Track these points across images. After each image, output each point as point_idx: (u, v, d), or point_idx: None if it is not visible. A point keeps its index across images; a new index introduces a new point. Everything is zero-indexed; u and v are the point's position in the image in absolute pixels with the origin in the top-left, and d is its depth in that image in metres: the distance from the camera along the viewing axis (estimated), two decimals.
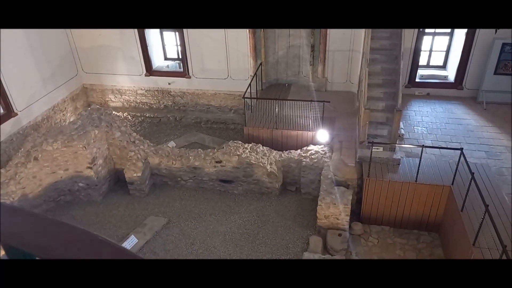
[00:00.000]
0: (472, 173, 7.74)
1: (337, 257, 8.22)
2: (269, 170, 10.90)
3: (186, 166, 11.29)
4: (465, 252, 7.68)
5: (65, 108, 14.98)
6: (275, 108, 11.98)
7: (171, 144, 13.28)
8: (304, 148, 11.42)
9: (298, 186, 11.44)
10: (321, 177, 10.26)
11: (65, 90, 14.93)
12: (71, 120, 13.53)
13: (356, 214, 10.17)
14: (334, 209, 9.43)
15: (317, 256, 7.96)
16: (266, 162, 10.99)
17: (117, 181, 11.91)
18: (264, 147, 11.49)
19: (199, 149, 11.68)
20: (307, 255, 8.02)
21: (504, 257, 6.08)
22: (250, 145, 11.49)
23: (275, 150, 11.55)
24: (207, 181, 11.46)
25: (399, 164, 9.87)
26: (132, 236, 9.77)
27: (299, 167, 11.10)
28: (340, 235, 9.43)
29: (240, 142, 11.58)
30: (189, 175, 11.46)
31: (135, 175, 11.04)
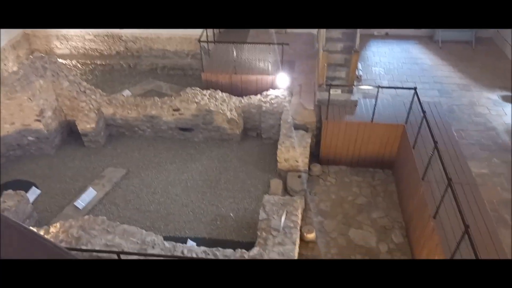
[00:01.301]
0: (424, 112, 7.96)
1: (296, 197, 8.47)
2: (229, 117, 10.75)
3: (142, 115, 10.90)
4: (415, 186, 8.12)
5: (5, 57, 13.77)
6: (234, 52, 11.57)
7: (126, 92, 12.69)
8: (264, 93, 11.27)
9: (259, 131, 11.44)
10: (281, 121, 10.27)
11: (3, 37, 13.62)
12: (14, 70, 12.51)
13: (315, 156, 10.40)
14: (294, 152, 9.56)
15: (276, 198, 8.16)
16: (226, 109, 10.80)
17: (70, 133, 11.38)
18: (223, 93, 11.23)
19: (156, 97, 11.25)
20: (267, 198, 8.20)
21: (449, 190, 6.45)
22: (209, 91, 11.18)
23: (234, 96, 11.33)
24: (166, 130, 11.20)
25: (356, 105, 10.00)
26: (91, 188, 9.55)
27: (259, 112, 11.02)
28: (299, 176, 9.67)
29: (198, 88, 11.23)
30: (147, 124, 11.12)
31: (88, 126, 10.56)
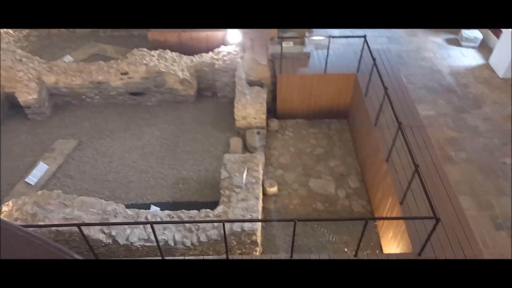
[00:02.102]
0: (374, 59, 8.11)
1: (256, 154, 8.55)
2: (181, 77, 10.41)
3: (88, 82, 10.29)
4: (368, 132, 8.43)
5: None
6: None
7: (67, 58, 11.84)
8: (216, 50, 10.94)
9: (214, 90, 11.22)
10: (235, 78, 10.10)
11: None
12: None
13: (272, 111, 10.43)
14: (251, 109, 9.52)
15: (237, 156, 8.19)
16: (177, 69, 10.42)
17: (11, 106, 10.58)
18: (173, 53, 10.77)
19: (101, 62, 10.60)
20: (227, 157, 8.21)
21: (400, 133, 6.75)
22: (157, 52, 10.68)
23: (185, 55, 10.92)
24: (116, 96, 10.69)
25: (309, 57, 9.99)
26: (41, 163, 9.08)
27: (213, 70, 10.75)
28: (258, 133, 9.72)
29: (145, 49, 10.67)
30: (94, 91, 10.54)
31: (30, 97, 9.84)
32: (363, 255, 6.02)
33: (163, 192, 8.73)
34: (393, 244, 6.98)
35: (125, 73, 10.24)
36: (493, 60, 11.55)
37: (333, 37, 9.73)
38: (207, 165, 9.29)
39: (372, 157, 8.26)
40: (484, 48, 12.31)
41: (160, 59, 10.45)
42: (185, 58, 10.77)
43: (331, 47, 9.70)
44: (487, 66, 11.67)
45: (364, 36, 9.03)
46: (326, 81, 9.64)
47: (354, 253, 5.98)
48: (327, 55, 9.39)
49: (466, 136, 9.58)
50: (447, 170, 8.45)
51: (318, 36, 10.62)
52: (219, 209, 7.21)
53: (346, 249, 7.64)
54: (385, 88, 7.46)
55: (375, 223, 7.96)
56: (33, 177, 8.76)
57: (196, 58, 10.77)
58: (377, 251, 7.56)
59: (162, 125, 10.32)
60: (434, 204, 5.52)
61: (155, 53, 10.61)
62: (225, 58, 10.62)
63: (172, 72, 10.28)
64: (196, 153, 9.58)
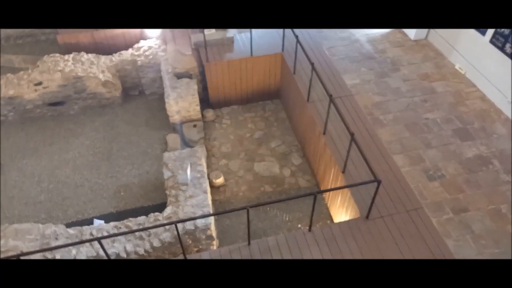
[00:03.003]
0: (297, 36, 8.23)
1: (197, 147, 8.37)
2: (103, 79, 9.78)
3: None
4: (302, 108, 8.63)
5: None
6: None
7: None
8: (135, 46, 10.40)
9: (141, 88, 10.72)
10: (162, 73, 9.72)
11: None
12: None
13: (205, 101, 10.25)
14: (183, 103, 9.26)
15: (177, 153, 7.95)
16: (97, 71, 9.76)
17: None
18: (89, 55, 10.05)
19: (9, 74, 9.60)
20: (167, 155, 7.94)
21: (332, 106, 6.97)
22: (72, 55, 9.90)
23: (103, 55, 10.24)
24: (33, 109, 9.78)
25: (233, 42, 9.88)
26: None
27: (136, 67, 10.23)
28: (195, 126, 9.51)
29: (58, 54, 9.84)
30: (7, 107, 9.54)
31: None
32: (316, 228, 6.23)
33: (104, 203, 8.25)
34: (342, 212, 7.31)
35: (39, 83, 9.37)
36: None
37: None
38: (147, 167, 8.93)
39: (309, 132, 8.50)
40: None
41: (76, 63, 9.71)
42: (104, 58, 10.11)
43: (253, 29, 9.68)
44: (399, 30, 12.45)
45: None
46: (254, 64, 9.64)
47: (308, 228, 6.16)
48: (251, 38, 9.36)
49: (390, 98, 10.21)
50: (379, 132, 8.98)
51: None
52: (168, 210, 6.99)
53: (299, 225, 7.86)
54: (312, 64, 7.63)
55: (323, 195, 8.26)
56: None
57: (116, 57, 10.16)
58: (328, 221, 7.88)
59: (91, 133, 9.68)
60: (372, 168, 5.83)
61: (69, 57, 9.82)
62: (146, 53, 10.15)
63: (92, 75, 9.62)
64: (133, 156, 9.16)
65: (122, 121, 9.97)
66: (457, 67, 10.94)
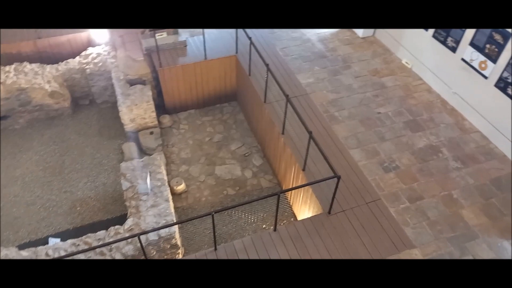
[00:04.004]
0: (250, 38, 8.25)
1: (155, 155, 8.15)
2: (49, 90, 9.28)
3: None
4: (260, 110, 8.66)
5: None
6: None
7: None
8: (83, 53, 9.97)
9: (92, 97, 10.29)
10: (113, 80, 9.37)
11: None
12: None
13: (161, 107, 10.02)
14: (138, 110, 8.99)
15: (135, 162, 7.70)
16: (42, 82, 9.24)
17: None
18: (33, 64, 9.49)
19: None
20: (125, 165, 7.66)
21: (288, 105, 7.05)
22: (13, 66, 9.30)
23: (48, 64, 9.71)
24: None
25: (186, 46, 9.75)
26: None
27: (85, 76, 9.80)
28: (151, 133, 9.26)
29: None
30: None
31: None
32: (281, 227, 6.27)
33: (59, 220, 7.83)
34: (305, 209, 7.42)
35: None
36: None
37: None
38: (104, 179, 8.58)
39: (268, 133, 8.54)
40: None
41: (18, 74, 9.14)
42: (49, 68, 9.59)
43: (206, 31, 9.59)
44: (348, 29, 12.84)
45: None
46: (208, 67, 9.55)
47: (273, 228, 6.18)
48: (204, 41, 9.27)
49: (344, 95, 10.51)
50: (335, 129, 9.21)
51: None
52: (129, 222, 6.75)
53: (264, 226, 7.88)
54: (267, 65, 7.68)
55: (286, 194, 8.34)
56: None
57: (62, 66, 9.68)
58: (292, 219, 7.96)
59: (40, 147, 9.15)
60: (331, 164, 5.96)
61: (10, 68, 9.23)
62: (95, 60, 9.76)
63: (37, 86, 9.10)
64: (88, 169, 8.77)
65: (74, 133, 9.52)
66: (404, 61, 11.47)
